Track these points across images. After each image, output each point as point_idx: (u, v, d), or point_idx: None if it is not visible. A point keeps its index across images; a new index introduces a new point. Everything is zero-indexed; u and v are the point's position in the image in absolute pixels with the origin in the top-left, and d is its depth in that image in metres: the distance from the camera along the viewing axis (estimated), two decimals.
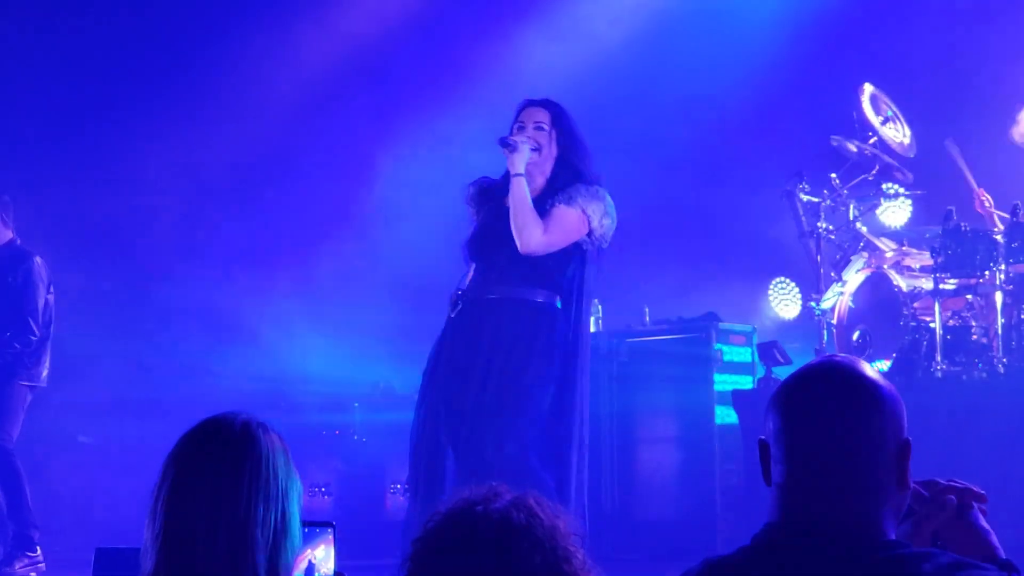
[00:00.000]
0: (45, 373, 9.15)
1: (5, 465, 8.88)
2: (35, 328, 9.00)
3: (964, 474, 2.83)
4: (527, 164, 6.49)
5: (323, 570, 3.54)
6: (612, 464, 9.36)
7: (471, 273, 6.73)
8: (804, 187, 9.39)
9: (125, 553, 5.84)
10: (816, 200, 9.38)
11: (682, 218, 10.86)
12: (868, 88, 9.57)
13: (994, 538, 2.67)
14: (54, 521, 9.51)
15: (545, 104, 6.65)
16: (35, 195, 10.38)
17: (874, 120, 9.50)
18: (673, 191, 10.85)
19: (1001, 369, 8.29)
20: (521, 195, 6.40)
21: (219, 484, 2.95)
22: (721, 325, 9.43)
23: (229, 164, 11.64)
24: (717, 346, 9.34)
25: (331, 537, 3.59)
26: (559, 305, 6.57)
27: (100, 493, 10.71)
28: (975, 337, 8.49)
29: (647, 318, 9.92)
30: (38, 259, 9.14)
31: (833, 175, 9.42)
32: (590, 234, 6.53)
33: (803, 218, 9.38)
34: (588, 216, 6.47)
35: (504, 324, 6.49)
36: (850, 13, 10.71)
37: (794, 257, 9.78)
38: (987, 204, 9.40)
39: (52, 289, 9.15)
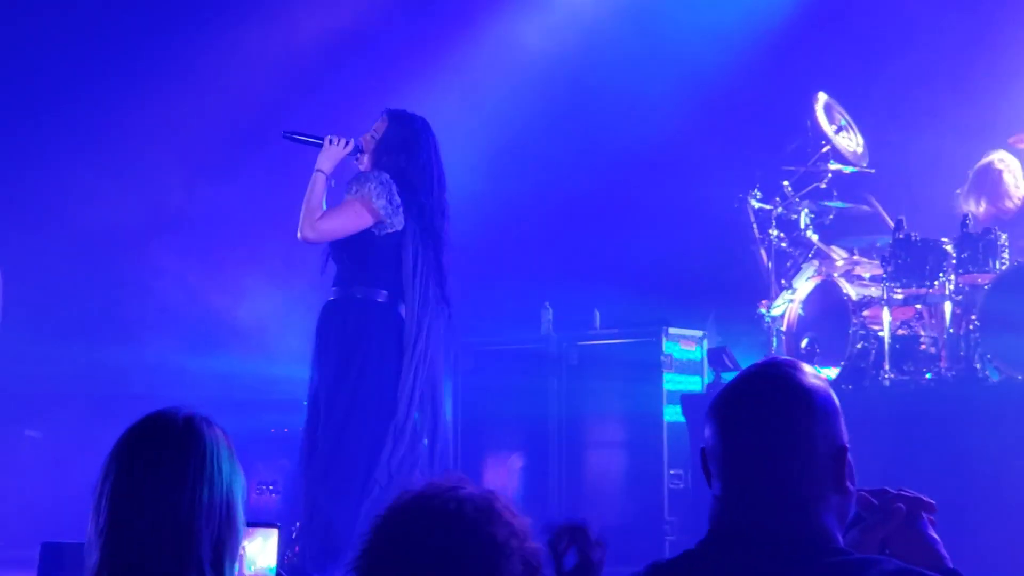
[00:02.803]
0: None
1: None
2: None
3: (911, 482, 2.87)
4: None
5: (260, 563, 3.55)
6: (560, 468, 9.37)
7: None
8: (756, 194, 9.44)
9: (71, 548, 5.83)
10: (768, 208, 9.42)
11: (635, 223, 10.88)
12: (822, 97, 9.60)
13: (942, 547, 2.69)
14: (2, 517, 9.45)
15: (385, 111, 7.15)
16: None
17: (828, 129, 9.53)
18: (627, 195, 10.88)
19: (949, 378, 8.33)
20: (310, 189, 6.95)
21: (162, 478, 2.94)
22: (671, 329, 9.45)
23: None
24: (667, 350, 9.37)
25: (274, 535, 3.59)
26: (380, 300, 6.98)
27: (47, 488, 10.64)
28: (923, 346, 8.52)
29: (597, 322, 9.94)
30: None
31: (785, 183, 9.46)
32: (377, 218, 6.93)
33: (755, 225, 9.43)
34: (369, 202, 6.88)
35: (333, 323, 7.01)
36: (806, 20, 10.75)
37: (745, 263, 9.81)
38: None
39: None
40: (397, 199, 6.96)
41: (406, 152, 7.06)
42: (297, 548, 6.94)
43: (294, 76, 11.60)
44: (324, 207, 7.05)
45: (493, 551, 2.33)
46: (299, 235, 6.95)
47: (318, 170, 6.99)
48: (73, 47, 11.47)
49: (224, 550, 2.99)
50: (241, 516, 3.03)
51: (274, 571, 3.58)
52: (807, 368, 2.66)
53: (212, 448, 3.00)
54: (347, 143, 7.11)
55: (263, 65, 11.59)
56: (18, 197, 11.19)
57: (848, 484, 2.57)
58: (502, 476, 9.47)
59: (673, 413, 9.23)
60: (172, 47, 11.51)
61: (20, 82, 11.45)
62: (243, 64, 11.59)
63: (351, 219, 6.92)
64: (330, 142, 7.07)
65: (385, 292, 7.01)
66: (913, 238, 8.54)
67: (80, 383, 11.15)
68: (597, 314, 9.95)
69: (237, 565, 3.07)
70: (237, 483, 3.03)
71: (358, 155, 7.12)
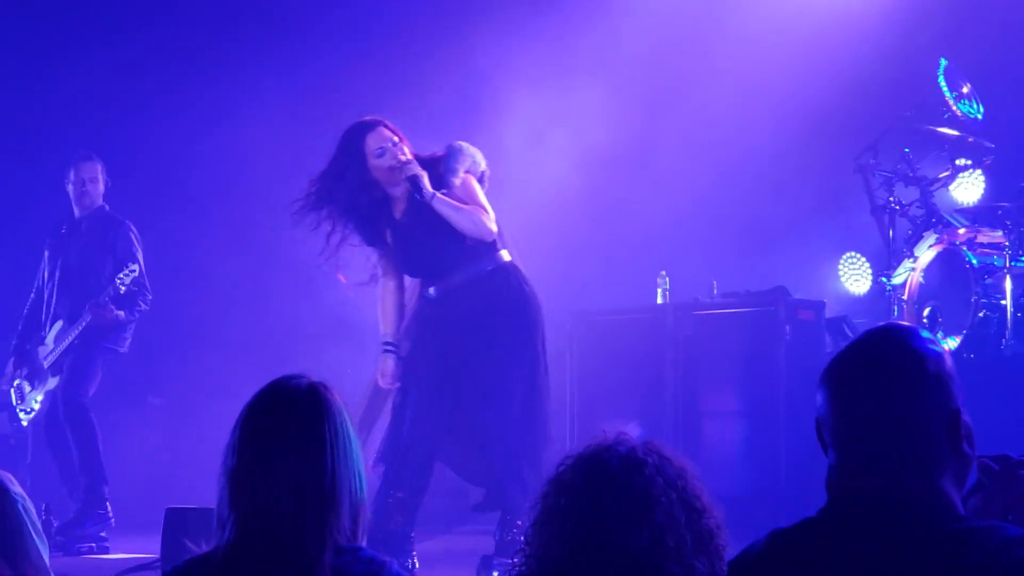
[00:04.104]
0: (129, 340, 9.30)
1: (80, 419, 9.01)
2: (148, 293, 9.17)
3: None
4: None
5: None
6: (675, 437, 9.34)
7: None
8: (877, 162, 9.32)
9: (195, 513, 5.93)
10: (889, 175, 9.30)
11: (753, 191, 10.80)
12: (944, 63, 9.50)
13: None
14: (124, 481, 9.61)
15: (381, 122, 7.17)
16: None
17: (949, 96, 9.42)
18: (746, 161, 10.80)
19: None
20: (454, 206, 7.01)
21: (303, 449, 2.93)
22: (790, 299, 9.39)
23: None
24: (785, 319, 9.30)
25: None
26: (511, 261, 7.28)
27: (170, 454, 10.81)
28: None
29: (715, 290, 9.90)
30: (131, 224, 9.28)
31: (906, 149, 9.34)
32: (482, 179, 7.19)
33: (875, 192, 9.32)
34: (470, 171, 7.11)
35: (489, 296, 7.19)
36: None
37: (866, 232, 9.71)
38: None
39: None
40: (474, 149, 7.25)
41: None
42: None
43: (370, 60, 11.60)
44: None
45: (646, 498, 2.59)
46: (493, 232, 7.10)
47: (433, 194, 7.02)
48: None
49: (358, 517, 3.00)
50: (365, 483, 3.03)
51: None
52: (921, 333, 2.64)
53: (342, 415, 3.00)
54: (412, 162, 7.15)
55: (334, 48, 11.63)
56: (140, 163, 11.33)
57: (965, 447, 2.54)
58: None
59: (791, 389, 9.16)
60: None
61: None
62: (311, 44, 11.66)
63: (483, 193, 7.15)
64: (419, 173, 7.07)
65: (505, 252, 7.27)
66: None
67: (201, 351, 11.29)
68: (715, 283, 9.90)
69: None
70: (360, 450, 3.04)
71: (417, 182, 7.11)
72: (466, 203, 7.06)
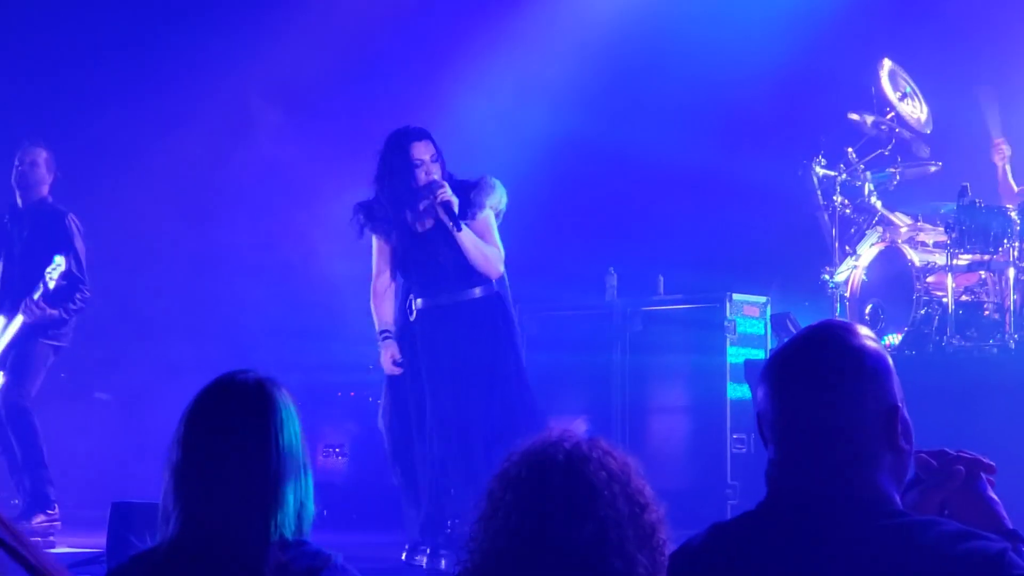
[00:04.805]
0: (70, 334, 9.22)
1: (22, 422, 8.92)
2: (86, 286, 9.08)
3: (973, 447, 2.82)
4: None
5: None
6: (623, 432, 9.40)
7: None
8: (821, 161, 9.37)
9: (140, 508, 5.90)
10: (832, 174, 9.36)
11: (699, 189, 10.87)
12: (887, 64, 9.53)
13: (1001, 508, 2.68)
14: (69, 476, 9.57)
15: (427, 134, 7.48)
16: None
17: (892, 96, 9.47)
18: (691, 163, 10.86)
19: (1012, 345, 8.31)
20: (473, 240, 7.37)
21: (246, 444, 2.94)
22: (735, 296, 9.46)
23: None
24: (730, 316, 9.38)
25: None
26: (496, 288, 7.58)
27: (116, 449, 10.77)
28: (987, 313, 8.51)
29: (661, 287, 9.96)
30: (72, 216, 9.19)
31: (849, 149, 9.40)
32: (498, 215, 7.52)
33: (819, 192, 9.38)
34: (492, 207, 7.43)
35: (484, 318, 7.49)
36: None
37: (809, 229, 9.79)
38: (1004, 154, 9.43)
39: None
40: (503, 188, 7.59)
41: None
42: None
43: (344, 53, 11.62)
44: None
45: (590, 492, 2.62)
46: (499, 272, 7.51)
47: (464, 225, 7.35)
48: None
49: (304, 513, 3.01)
50: (311, 477, 3.05)
51: None
52: (860, 330, 2.66)
53: (288, 409, 3.01)
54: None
55: (310, 44, 11.64)
56: (104, 149, 11.29)
57: (903, 443, 2.56)
58: None
59: (735, 384, 9.25)
60: None
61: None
62: (291, 42, 11.68)
63: (497, 232, 7.50)
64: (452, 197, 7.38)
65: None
66: (977, 204, 8.52)
67: (148, 346, 11.26)
68: (661, 280, 9.96)
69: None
70: (306, 445, 3.04)
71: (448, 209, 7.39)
72: (483, 237, 7.43)
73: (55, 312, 8.91)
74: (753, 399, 8.89)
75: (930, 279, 8.74)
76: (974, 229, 8.48)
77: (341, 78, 11.68)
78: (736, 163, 10.71)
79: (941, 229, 8.85)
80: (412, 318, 7.57)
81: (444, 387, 7.39)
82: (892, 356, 2.67)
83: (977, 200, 8.53)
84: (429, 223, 7.47)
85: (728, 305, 9.34)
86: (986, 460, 2.72)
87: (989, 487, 2.71)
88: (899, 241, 9.03)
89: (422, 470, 7.51)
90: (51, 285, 8.80)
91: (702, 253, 10.62)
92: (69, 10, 11.60)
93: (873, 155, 9.46)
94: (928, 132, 9.63)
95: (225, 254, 11.52)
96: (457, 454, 7.31)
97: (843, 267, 9.21)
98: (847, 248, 9.31)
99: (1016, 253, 8.39)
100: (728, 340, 9.32)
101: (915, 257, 8.85)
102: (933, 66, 10.07)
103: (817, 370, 2.57)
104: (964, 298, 8.56)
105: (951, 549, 2.40)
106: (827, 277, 9.27)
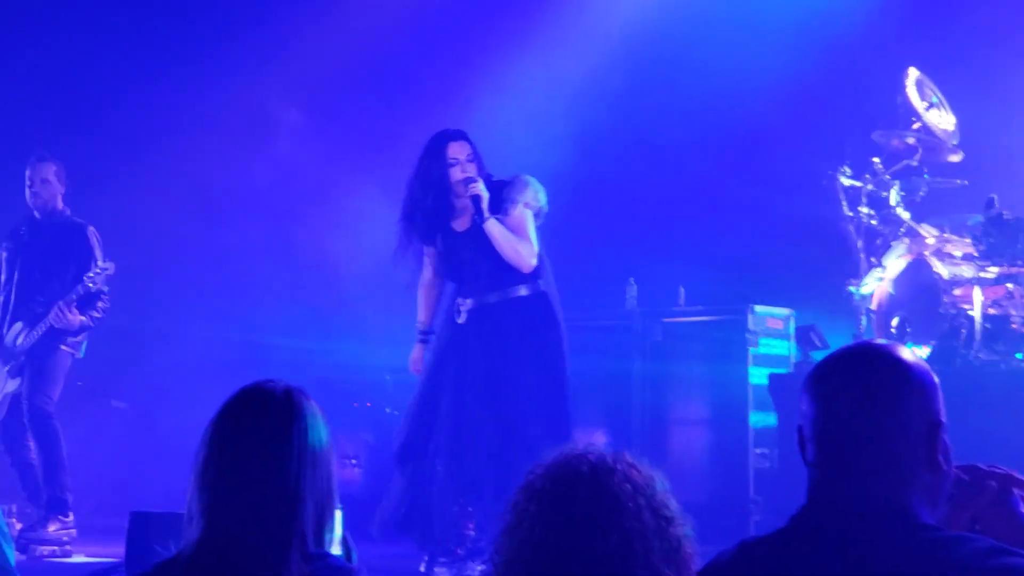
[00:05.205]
0: (84, 344, 9.30)
1: (44, 428, 9.04)
2: (106, 297, 9.17)
3: (1002, 462, 2.84)
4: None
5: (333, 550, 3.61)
6: (643, 445, 9.34)
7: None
8: (846, 171, 9.33)
9: (158, 517, 5.93)
10: (858, 184, 9.32)
11: (723, 198, 10.86)
12: (913, 73, 9.51)
13: None
14: (87, 485, 9.60)
15: (463, 135, 7.70)
16: None
17: (919, 105, 9.45)
18: (714, 171, 10.87)
19: None
20: (503, 232, 7.50)
21: (269, 451, 2.98)
22: (758, 307, 9.43)
23: None
24: (753, 328, 9.35)
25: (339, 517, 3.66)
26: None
27: (133, 458, 10.82)
28: (1014, 326, 8.48)
29: (682, 298, 9.93)
30: (92, 228, 9.29)
31: (876, 159, 9.38)
32: (537, 215, 7.66)
33: (844, 202, 9.33)
34: (528, 204, 7.54)
35: (526, 317, 7.61)
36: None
37: (835, 241, 9.74)
38: None
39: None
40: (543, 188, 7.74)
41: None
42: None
43: (365, 53, 11.65)
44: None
45: (615, 504, 2.60)
46: (530, 265, 7.57)
47: (490, 216, 7.51)
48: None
49: (324, 523, 3.04)
50: (337, 489, 3.08)
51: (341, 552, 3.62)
52: (906, 347, 2.68)
53: (314, 420, 3.05)
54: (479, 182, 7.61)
55: (331, 45, 11.67)
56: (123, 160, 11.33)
57: (941, 461, 2.56)
58: None
59: (758, 398, 9.20)
60: None
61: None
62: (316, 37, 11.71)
63: (534, 225, 7.62)
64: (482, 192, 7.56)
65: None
66: (1005, 216, 8.53)
67: (164, 354, 11.29)
68: (682, 291, 9.94)
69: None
70: (333, 456, 3.08)
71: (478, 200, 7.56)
72: (516, 231, 7.54)
73: (82, 318, 9.04)
74: (778, 413, 8.86)
75: (957, 292, 8.73)
76: (1001, 241, 8.49)
77: (363, 79, 11.75)
78: (760, 173, 10.73)
79: (968, 241, 8.83)
80: (461, 320, 7.67)
81: (491, 384, 7.49)
82: None
83: (1004, 212, 8.54)
84: (468, 222, 7.66)
85: (750, 317, 9.31)
86: (1018, 475, 2.73)
87: (1022, 503, 2.71)
88: (926, 253, 9.00)
89: (427, 475, 7.56)
90: (92, 288, 8.98)
91: (724, 264, 10.63)
92: (88, 13, 11.72)
93: (899, 165, 9.42)
94: (955, 143, 9.58)
95: (243, 259, 11.56)
96: (494, 453, 7.37)
97: (869, 279, 9.17)
98: (872, 260, 9.26)
99: None
100: (750, 352, 9.29)
101: (942, 270, 8.84)
102: (959, 77, 10.03)
103: (864, 382, 2.57)
104: (991, 311, 8.51)
105: (983, 564, 2.40)
106: (853, 289, 9.23)
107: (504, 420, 7.42)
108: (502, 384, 7.49)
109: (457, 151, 7.59)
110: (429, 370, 7.74)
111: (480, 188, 7.49)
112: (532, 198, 7.62)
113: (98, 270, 8.96)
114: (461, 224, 7.68)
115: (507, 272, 7.57)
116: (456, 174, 7.57)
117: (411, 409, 7.76)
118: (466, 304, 7.64)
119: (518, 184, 7.62)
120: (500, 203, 7.55)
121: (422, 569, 7.46)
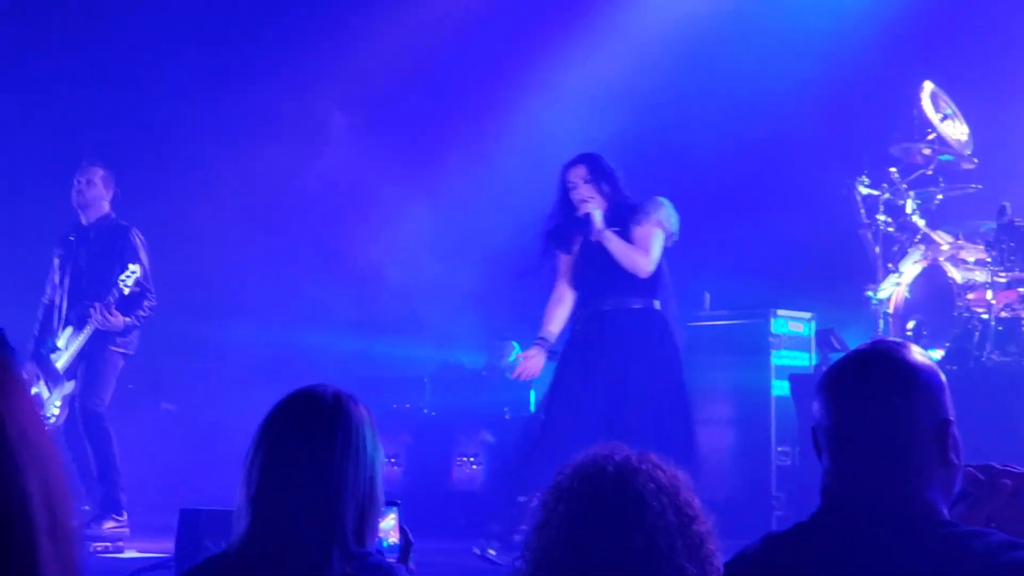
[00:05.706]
0: (136, 343, 9.49)
1: (97, 429, 9.15)
2: (152, 297, 9.35)
3: (1015, 461, 2.88)
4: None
5: (390, 539, 3.69)
6: None
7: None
8: (864, 180, 9.47)
9: (208, 514, 6.01)
10: (875, 193, 9.46)
11: (746, 206, 11.00)
12: (928, 86, 9.62)
13: None
14: (137, 484, 9.75)
15: (581, 160, 8.05)
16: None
17: (933, 117, 9.54)
18: (737, 179, 10.97)
19: None
20: (619, 243, 7.80)
21: (314, 451, 3.08)
22: (779, 311, 9.62)
23: None
24: (775, 331, 9.54)
25: (395, 514, 3.79)
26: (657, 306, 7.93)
27: (182, 458, 10.96)
28: None
29: (707, 303, 10.11)
30: (135, 230, 9.44)
31: (893, 169, 9.48)
32: (669, 236, 7.88)
33: (862, 210, 9.48)
34: (659, 223, 7.85)
35: (640, 332, 7.85)
36: (917, 7, 10.77)
37: (854, 248, 9.91)
38: None
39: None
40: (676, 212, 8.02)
41: (619, 181, 8.09)
42: None
43: (414, 62, 11.80)
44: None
45: (639, 503, 2.71)
46: (645, 271, 7.82)
47: (603, 231, 7.84)
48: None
49: (366, 523, 3.13)
50: (382, 492, 3.19)
51: (397, 548, 3.67)
52: (914, 348, 2.71)
53: (359, 424, 3.15)
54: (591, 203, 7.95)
55: (383, 53, 11.82)
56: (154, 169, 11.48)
57: (953, 457, 2.60)
58: None
59: (781, 391, 9.40)
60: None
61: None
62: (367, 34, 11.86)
63: (661, 243, 7.88)
64: (592, 210, 7.91)
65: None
66: (1016, 223, 8.59)
67: (213, 357, 11.43)
68: (707, 296, 10.11)
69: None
70: (379, 460, 3.18)
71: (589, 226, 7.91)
72: (639, 243, 7.84)
73: (126, 319, 9.16)
74: (798, 412, 9.06)
75: (971, 296, 8.79)
76: (1013, 247, 8.57)
77: (409, 85, 11.79)
78: (781, 180, 10.81)
79: (982, 247, 8.93)
80: (578, 327, 7.98)
81: (601, 391, 7.72)
82: None
83: (1016, 219, 8.61)
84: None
85: (773, 321, 9.50)
86: None
87: None
88: (941, 259, 9.11)
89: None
90: (126, 291, 9.07)
91: (747, 270, 10.72)
92: (141, 22, 11.76)
93: (915, 175, 9.53)
94: (968, 153, 9.72)
95: (291, 263, 11.64)
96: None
97: (886, 284, 9.29)
98: (889, 265, 9.38)
99: None
100: (773, 355, 9.47)
101: (956, 275, 8.93)
102: (972, 86, 10.13)
103: (873, 384, 2.62)
104: (1004, 314, 8.59)
105: (999, 558, 2.43)
106: (870, 294, 9.36)
107: (618, 426, 7.55)
108: (618, 387, 7.73)
109: (573, 176, 7.97)
110: (556, 379, 7.99)
111: (589, 207, 7.87)
112: (664, 218, 7.93)
113: (128, 272, 9.04)
114: (588, 235, 7.99)
115: (619, 284, 7.85)
116: (575, 196, 7.94)
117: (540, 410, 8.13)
118: (583, 313, 7.97)
119: (654, 202, 7.95)
120: (629, 217, 7.90)
121: (476, 551, 7.67)
